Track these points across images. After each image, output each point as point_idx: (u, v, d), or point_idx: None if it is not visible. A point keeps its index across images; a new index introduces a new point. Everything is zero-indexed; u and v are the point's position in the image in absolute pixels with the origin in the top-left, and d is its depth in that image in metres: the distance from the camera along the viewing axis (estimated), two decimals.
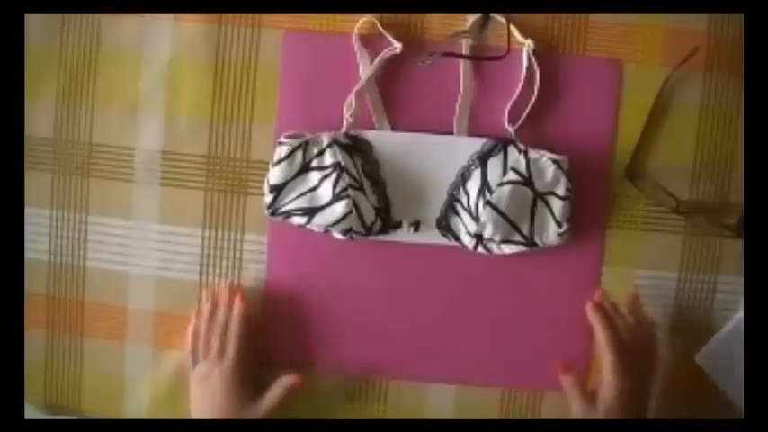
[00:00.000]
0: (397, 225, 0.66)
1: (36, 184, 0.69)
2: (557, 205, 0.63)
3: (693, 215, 0.67)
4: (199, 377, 0.65)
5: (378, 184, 0.65)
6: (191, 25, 0.67)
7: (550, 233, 0.63)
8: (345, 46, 0.66)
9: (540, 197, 0.63)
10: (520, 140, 0.64)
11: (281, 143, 0.63)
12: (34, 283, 0.70)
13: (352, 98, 0.65)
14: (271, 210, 0.64)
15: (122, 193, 0.69)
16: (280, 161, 0.63)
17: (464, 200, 0.64)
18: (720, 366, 0.68)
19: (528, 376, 0.69)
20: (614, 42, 0.66)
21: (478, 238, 0.63)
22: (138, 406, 0.71)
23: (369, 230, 0.64)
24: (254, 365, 0.66)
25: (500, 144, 0.64)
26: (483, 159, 0.64)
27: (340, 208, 0.62)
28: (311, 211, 0.63)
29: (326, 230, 0.65)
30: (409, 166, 0.66)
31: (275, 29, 0.67)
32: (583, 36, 0.66)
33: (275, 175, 0.63)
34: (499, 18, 0.65)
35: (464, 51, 0.65)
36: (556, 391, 0.69)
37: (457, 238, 0.65)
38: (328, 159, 0.63)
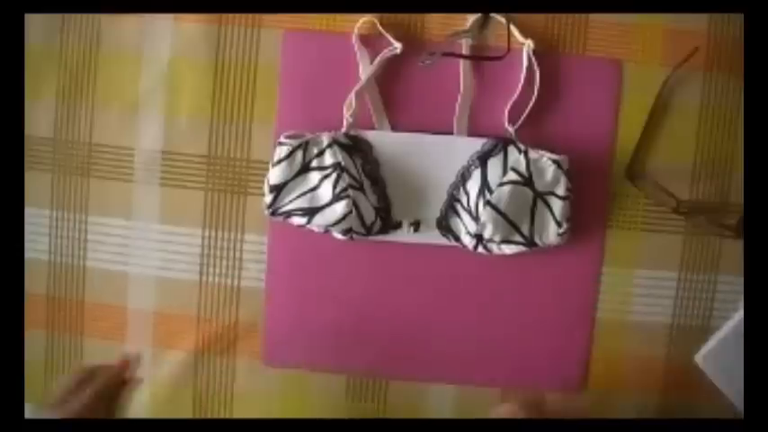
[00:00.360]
0: (397, 225, 0.66)
1: (36, 184, 0.69)
2: (557, 205, 0.63)
3: (693, 215, 0.67)
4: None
5: (378, 184, 0.65)
6: (191, 25, 0.67)
7: (550, 233, 0.63)
8: (345, 46, 0.66)
9: (540, 197, 0.63)
10: (520, 140, 0.64)
11: (281, 143, 0.63)
12: (34, 283, 0.70)
13: (352, 98, 0.65)
14: (271, 210, 0.64)
15: (122, 193, 0.69)
16: (280, 161, 0.63)
17: (464, 200, 0.64)
18: (720, 366, 0.68)
19: (528, 376, 0.69)
20: (614, 42, 0.66)
21: (478, 238, 0.63)
22: (138, 406, 0.70)
23: (369, 230, 0.64)
24: None
25: (500, 144, 0.64)
26: (483, 159, 0.64)
27: (340, 208, 0.62)
28: (311, 211, 0.63)
29: (326, 230, 0.65)
30: (409, 166, 0.66)
31: (275, 29, 0.67)
32: (583, 36, 0.66)
33: (275, 175, 0.63)
34: (499, 18, 0.65)
35: (464, 51, 0.65)
36: (556, 391, 0.69)
37: (457, 238, 0.65)
38: (328, 159, 0.63)
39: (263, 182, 0.64)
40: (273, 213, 0.64)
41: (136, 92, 0.68)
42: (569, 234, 0.64)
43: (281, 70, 0.67)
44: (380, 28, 0.65)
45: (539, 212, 0.63)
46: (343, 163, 0.62)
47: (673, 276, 0.68)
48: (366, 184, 0.64)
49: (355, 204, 0.62)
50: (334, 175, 0.62)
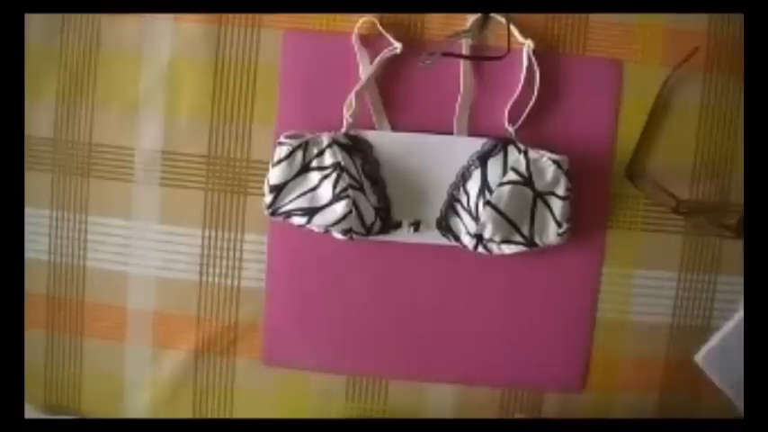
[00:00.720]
0: (397, 225, 0.66)
1: (36, 184, 0.69)
2: (557, 205, 0.63)
3: (693, 215, 0.67)
4: None
5: (378, 184, 0.65)
6: (191, 25, 0.67)
7: (550, 233, 0.63)
8: (345, 46, 0.66)
9: (540, 197, 0.63)
10: (520, 140, 0.64)
11: (281, 143, 0.63)
12: (34, 283, 0.70)
13: (352, 98, 0.65)
14: (271, 210, 0.64)
15: (122, 193, 0.69)
16: (280, 161, 0.63)
17: (464, 200, 0.64)
18: (720, 366, 0.68)
19: (528, 376, 0.69)
20: (614, 42, 0.66)
21: (478, 238, 0.63)
22: (138, 406, 0.71)
23: (369, 230, 0.64)
24: None
25: (500, 144, 0.64)
26: (483, 159, 0.64)
27: (340, 208, 0.62)
28: (311, 211, 0.63)
29: (326, 230, 0.65)
30: (409, 166, 0.66)
31: (275, 29, 0.67)
32: (583, 36, 0.66)
33: (275, 175, 0.63)
34: (499, 18, 0.65)
35: (464, 51, 0.65)
36: (556, 391, 0.69)
37: (457, 239, 0.65)
38: (328, 159, 0.63)
39: (263, 182, 0.64)
40: (273, 213, 0.64)
41: (136, 92, 0.68)
42: (569, 234, 0.64)
43: (281, 70, 0.67)
44: (380, 28, 0.65)
45: (539, 212, 0.63)
46: (343, 163, 0.62)
47: (673, 276, 0.68)
48: (366, 184, 0.64)
49: (355, 204, 0.62)
50: (334, 175, 0.62)
